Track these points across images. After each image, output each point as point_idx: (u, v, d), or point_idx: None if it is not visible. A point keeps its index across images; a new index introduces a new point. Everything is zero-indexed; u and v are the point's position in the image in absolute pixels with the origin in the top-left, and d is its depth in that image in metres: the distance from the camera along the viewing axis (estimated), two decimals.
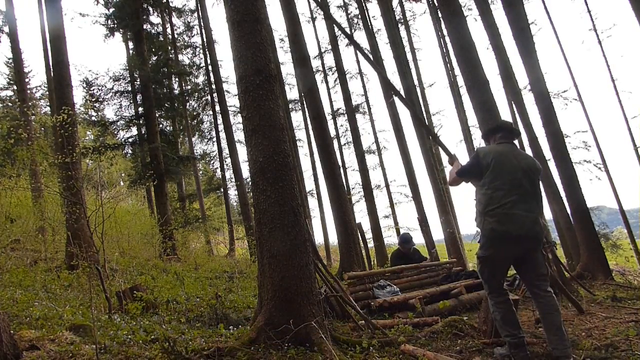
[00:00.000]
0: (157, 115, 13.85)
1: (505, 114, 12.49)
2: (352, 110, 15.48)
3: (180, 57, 18.50)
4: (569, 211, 8.23)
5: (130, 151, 14.80)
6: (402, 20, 19.03)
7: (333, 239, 19.83)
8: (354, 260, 8.26)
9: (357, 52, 20.73)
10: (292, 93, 22.00)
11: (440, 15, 13.52)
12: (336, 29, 15.30)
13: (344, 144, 21.17)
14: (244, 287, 6.46)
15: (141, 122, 13.88)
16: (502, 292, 2.84)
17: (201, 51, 18.32)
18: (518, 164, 2.84)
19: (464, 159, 3.25)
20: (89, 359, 2.60)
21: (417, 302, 4.48)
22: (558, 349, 2.60)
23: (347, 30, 20.61)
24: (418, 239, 8.39)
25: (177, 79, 17.09)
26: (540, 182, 2.96)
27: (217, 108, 17.02)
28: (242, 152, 30.40)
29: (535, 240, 2.79)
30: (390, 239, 17.37)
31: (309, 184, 21.49)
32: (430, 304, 4.68)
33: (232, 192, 21.38)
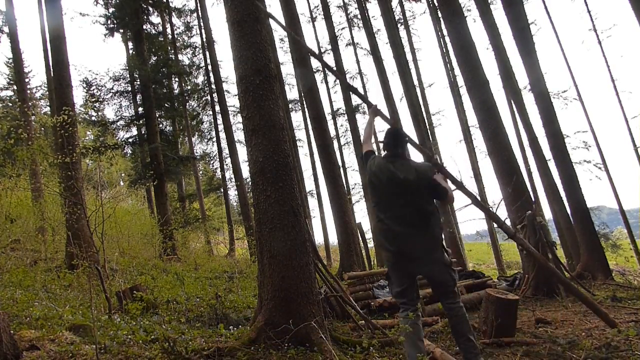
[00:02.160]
0: (157, 115, 13.86)
1: (505, 114, 12.53)
2: (352, 110, 15.47)
3: (180, 57, 18.48)
4: (569, 211, 8.24)
5: (130, 151, 14.81)
6: (402, 20, 19.03)
7: (333, 239, 19.85)
8: (354, 260, 8.26)
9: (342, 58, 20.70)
10: (292, 93, 22.02)
11: (440, 15, 13.52)
12: (333, 29, 15.21)
13: (344, 144, 21.18)
14: (244, 287, 6.46)
15: (141, 122, 13.88)
16: (410, 309, 2.68)
17: (201, 51, 18.31)
18: (392, 181, 2.73)
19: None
20: (89, 359, 2.60)
21: None
22: (468, 357, 2.58)
23: (347, 30, 20.64)
24: None
25: (177, 79, 17.09)
26: (435, 192, 2.75)
27: (217, 108, 17.02)
28: (242, 152, 30.44)
29: (420, 255, 2.69)
30: None
31: (309, 184, 21.50)
32: (430, 304, 4.69)
33: (232, 192, 21.40)
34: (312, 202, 21.51)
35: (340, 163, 15.95)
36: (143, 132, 13.88)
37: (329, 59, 20.91)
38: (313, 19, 20.69)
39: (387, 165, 2.80)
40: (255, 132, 3.44)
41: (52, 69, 8.65)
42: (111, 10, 14.41)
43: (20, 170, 9.37)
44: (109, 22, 14.34)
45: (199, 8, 17.22)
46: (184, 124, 18.45)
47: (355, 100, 19.79)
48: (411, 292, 2.75)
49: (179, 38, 18.99)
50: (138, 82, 13.70)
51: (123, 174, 27.97)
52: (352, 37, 20.65)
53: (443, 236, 2.82)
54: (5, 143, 7.48)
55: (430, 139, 15.66)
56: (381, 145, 3.06)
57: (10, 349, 2.40)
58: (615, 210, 13.60)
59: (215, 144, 19.05)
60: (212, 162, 23.36)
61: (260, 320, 3.10)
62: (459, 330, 2.65)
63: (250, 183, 6.65)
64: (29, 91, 21.40)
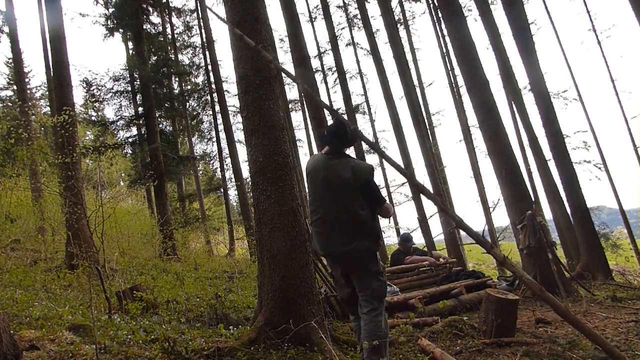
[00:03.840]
0: (157, 115, 13.85)
1: (505, 114, 12.54)
2: (352, 110, 15.46)
3: (180, 57, 18.49)
4: (569, 211, 8.24)
5: (130, 151, 14.79)
6: (402, 21, 19.04)
7: None
8: None
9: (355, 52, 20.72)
10: (292, 93, 22.01)
11: (440, 15, 13.52)
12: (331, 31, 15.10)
13: None
14: (244, 287, 6.46)
15: (141, 122, 13.87)
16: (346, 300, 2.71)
17: (201, 51, 18.32)
18: (326, 179, 2.57)
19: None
20: (89, 359, 2.60)
21: (417, 302, 4.48)
22: None
23: (347, 30, 20.64)
24: (418, 239, 8.40)
25: (177, 79, 17.08)
26: (369, 192, 2.52)
27: (217, 108, 17.02)
28: (242, 152, 30.41)
29: (346, 259, 2.55)
30: (390, 239, 17.37)
31: None
32: (430, 304, 4.68)
33: (232, 192, 21.38)
34: None
35: None
36: (143, 132, 13.87)
37: (329, 59, 20.95)
38: (313, 19, 20.69)
39: (324, 162, 2.63)
40: (255, 132, 3.44)
41: (52, 69, 8.65)
42: (111, 10, 14.41)
43: (20, 170, 9.37)
44: (109, 22, 14.33)
45: (198, 8, 17.23)
46: (184, 124, 18.45)
47: (355, 100, 19.84)
48: (352, 289, 2.64)
49: (179, 38, 19.00)
50: (138, 82, 13.70)
51: (123, 174, 27.97)
52: (352, 37, 20.66)
53: (378, 247, 2.56)
54: (5, 143, 7.48)
55: (430, 139, 15.67)
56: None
57: (10, 349, 2.40)
58: (615, 210, 13.60)
59: (215, 144, 19.06)
60: (212, 162, 23.36)
61: (260, 320, 3.10)
62: (365, 341, 2.40)
63: (250, 183, 6.64)
64: (29, 91, 21.41)
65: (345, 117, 17.48)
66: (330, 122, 18.29)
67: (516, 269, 2.68)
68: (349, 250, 2.48)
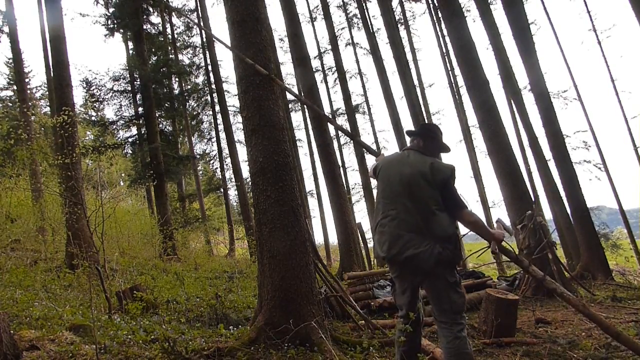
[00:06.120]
0: (157, 115, 13.86)
1: (505, 114, 12.55)
2: (352, 110, 15.47)
3: (180, 57, 18.50)
4: (569, 211, 8.25)
5: (130, 151, 14.81)
6: (402, 21, 19.04)
7: (333, 239, 19.83)
8: (354, 260, 8.26)
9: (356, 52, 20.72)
10: None
11: (440, 15, 13.53)
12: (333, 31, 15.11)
13: (344, 144, 21.17)
14: (244, 287, 6.46)
15: (141, 122, 13.89)
16: (402, 316, 2.41)
17: (201, 51, 18.33)
18: (402, 174, 2.32)
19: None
20: (89, 359, 2.60)
21: None
22: None
23: (347, 30, 20.64)
24: None
25: (177, 79, 17.09)
26: (447, 192, 2.25)
27: (217, 108, 17.03)
28: (242, 152, 30.42)
29: (415, 266, 2.21)
30: None
31: (309, 184, 21.51)
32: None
33: (232, 192, 21.40)
34: (312, 202, 21.52)
35: (340, 163, 15.96)
36: (143, 132, 13.89)
37: (329, 59, 20.95)
38: (313, 19, 20.69)
39: (401, 156, 2.43)
40: (255, 132, 3.44)
41: (52, 69, 8.64)
42: (111, 10, 14.41)
43: (20, 170, 9.38)
44: (109, 22, 14.34)
45: (198, 8, 17.23)
46: (184, 123, 18.47)
47: (355, 100, 19.85)
48: (413, 303, 2.44)
49: (179, 38, 19.00)
50: (138, 82, 13.71)
51: (123, 174, 27.98)
52: (352, 37, 20.66)
53: (457, 256, 2.26)
54: (5, 143, 7.48)
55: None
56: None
57: (10, 349, 2.40)
58: (615, 210, 13.59)
59: (215, 143, 19.08)
60: (212, 162, 23.38)
61: (260, 320, 3.10)
62: None
63: (250, 183, 6.64)
64: (29, 91, 21.38)
65: (346, 117, 17.48)
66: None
67: (557, 287, 2.59)
68: (417, 255, 2.18)
